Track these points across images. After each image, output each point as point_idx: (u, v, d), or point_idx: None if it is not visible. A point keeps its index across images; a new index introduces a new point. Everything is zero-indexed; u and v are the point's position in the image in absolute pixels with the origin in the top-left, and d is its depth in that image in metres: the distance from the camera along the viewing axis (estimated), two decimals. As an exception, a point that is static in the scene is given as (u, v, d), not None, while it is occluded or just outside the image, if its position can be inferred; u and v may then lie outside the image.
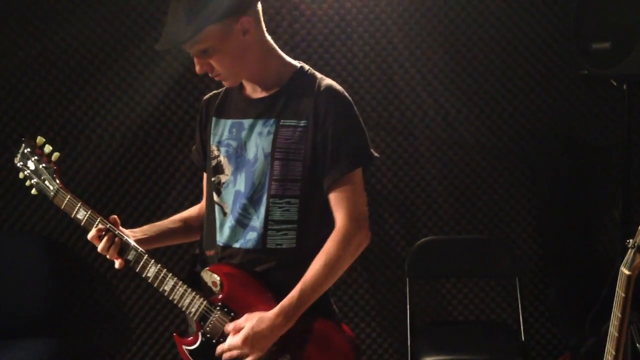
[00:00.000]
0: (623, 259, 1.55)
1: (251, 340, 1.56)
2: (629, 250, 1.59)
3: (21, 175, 1.84)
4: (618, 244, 2.71)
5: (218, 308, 1.64)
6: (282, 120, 1.63)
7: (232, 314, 1.64)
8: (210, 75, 1.63)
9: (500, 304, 3.15)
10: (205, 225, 1.77)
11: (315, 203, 1.64)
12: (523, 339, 2.75)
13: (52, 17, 2.96)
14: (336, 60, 2.99)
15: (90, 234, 1.71)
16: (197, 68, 1.61)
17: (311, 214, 1.64)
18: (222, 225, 1.69)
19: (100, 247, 1.69)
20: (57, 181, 1.77)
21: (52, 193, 1.76)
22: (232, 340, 1.59)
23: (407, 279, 2.86)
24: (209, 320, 1.65)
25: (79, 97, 3.02)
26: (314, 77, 1.67)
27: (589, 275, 3.09)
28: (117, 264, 1.70)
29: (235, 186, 1.67)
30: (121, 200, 3.04)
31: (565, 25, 2.99)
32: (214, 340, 1.65)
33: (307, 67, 1.71)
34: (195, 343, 1.68)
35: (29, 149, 1.82)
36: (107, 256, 1.70)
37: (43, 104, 3.00)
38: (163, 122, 3.05)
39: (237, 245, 1.66)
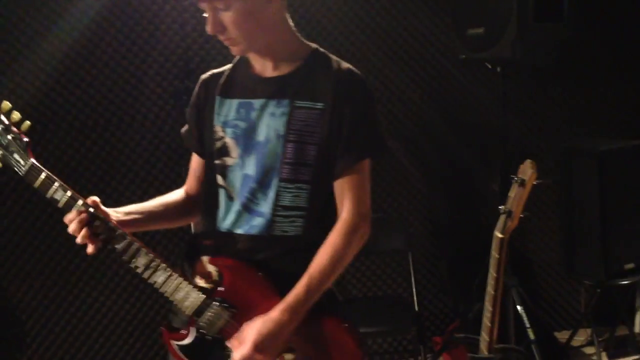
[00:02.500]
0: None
1: (262, 345, 1.45)
2: (501, 216, 1.75)
3: None
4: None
5: (216, 302, 1.53)
6: (296, 102, 1.54)
7: (233, 309, 1.53)
8: (220, 37, 1.52)
9: (396, 279, 3.31)
10: (204, 209, 1.65)
11: (325, 190, 1.56)
12: (417, 309, 2.91)
13: None
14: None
15: (69, 217, 1.52)
16: (209, 27, 1.50)
17: (320, 201, 1.55)
18: (227, 210, 1.58)
19: (75, 231, 1.51)
20: (30, 156, 1.55)
21: (23, 169, 1.54)
22: (242, 351, 1.46)
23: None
24: (205, 315, 1.53)
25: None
26: (329, 59, 1.59)
27: (474, 246, 3.30)
28: (91, 248, 1.52)
29: (243, 169, 1.57)
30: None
31: (444, 12, 3.18)
32: (209, 337, 1.54)
33: (321, 48, 1.63)
34: (186, 338, 1.55)
35: None
36: (80, 241, 1.52)
37: None
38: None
39: (240, 231, 1.56)
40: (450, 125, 3.35)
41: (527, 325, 2.93)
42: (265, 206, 1.54)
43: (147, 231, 1.70)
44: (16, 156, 1.55)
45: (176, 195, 1.74)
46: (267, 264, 1.53)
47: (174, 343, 1.56)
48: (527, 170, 1.66)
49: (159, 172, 3.02)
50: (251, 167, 1.55)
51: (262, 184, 1.54)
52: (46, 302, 2.97)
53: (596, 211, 3.08)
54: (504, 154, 2.93)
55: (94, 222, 1.51)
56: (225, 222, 1.58)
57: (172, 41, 2.98)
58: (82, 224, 1.50)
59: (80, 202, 1.53)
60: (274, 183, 1.53)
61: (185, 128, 1.72)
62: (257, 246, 1.54)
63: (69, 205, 1.53)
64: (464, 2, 2.99)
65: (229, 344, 1.51)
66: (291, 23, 1.59)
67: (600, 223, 3.07)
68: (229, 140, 1.58)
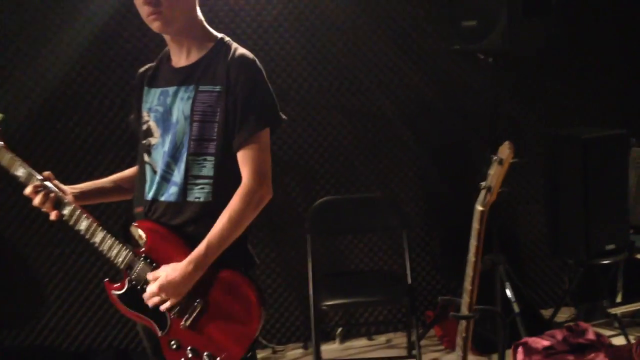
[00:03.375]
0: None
1: (166, 287, 1.73)
2: (481, 191, 1.96)
3: None
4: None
5: (142, 258, 1.82)
6: (200, 86, 1.78)
7: (154, 264, 1.80)
8: (147, 8, 1.72)
9: (391, 256, 3.52)
10: (137, 184, 1.91)
11: (229, 161, 1.79)
12: (409, 282, 3.11)
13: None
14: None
15: (28, 190, 1.82)
16: None
17: (225, 170, 1.79)
18: (151, 182, 1.84)
19: (35, 201, 1.82)
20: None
21: None
22: (150, 287, 1.76)
23: (308, 236, 3.13)
24: (134, 269, 1.82)
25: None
26: (229, 47, 1.82)
27: (466, 225, 3.50)
28: (53, 215, 1.84)
29: (163, 147, 1.82)
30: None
31: (439, 6, 3.36)
32: (138, 287, 1.83)
33: (226, 37, 1.85)
34: (123, 288, 1.86)
35: None
36: (43, 209, 1.84)
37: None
38: (70, 95, 3.14)
39: (162, 198, 1.82)
40: (444, 110, 3.54)
41: (513, 299, 3.13)
42: (178, 176, 1.79)
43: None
44: None
45: (128, 172, 2.04)
46: (182, 227, 1.80)
47: (114, 292, 1.87)
48: (505, 151, 1.86)
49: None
50: (167, 145, 1.81)
51: (174, 158, 1.80)
52: (64, 270, 3.20)
53: (579, 195, 3.27)
54: (493, 138, 3.13)
55: (49, 194, 1.82)
56: (151, 191, 1.84)
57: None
58: (44, 199, 1.81)
59: (38, 177, 1.82)
60: (184, 156, 1.78)
61: (131, 116, 1.99)
62: (174, 211, 1.80)
63: (28, 179, 1.83)
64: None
65: (147, 276, 1.79)
66: (201, 15, 1.83)
67: (582, 206, 3.27)
68: (152, 124, 1.85)
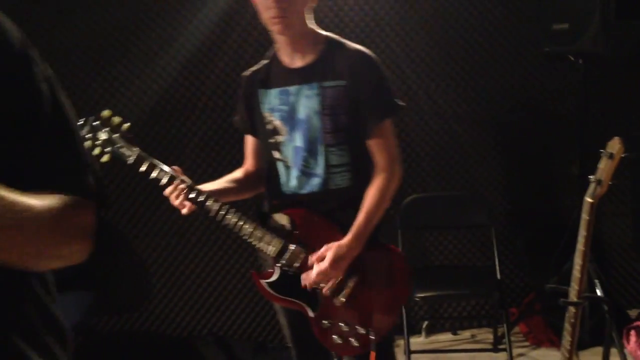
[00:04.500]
0: (582, 209, 1.99)
1: (336, 263, 1.83)
2: (591, 184, 2.05)
3: (88, 143, 1.96)
4: (576, 196, 3.13)
5: (293, 244, 1.90)
6: (324, 83, 1.89)
7: (307, 248, 1.89)
8: (274, 11, 1.80)
9: (476, 253, 3.61)
10: (267, 179, 2.03)
11: (361, 147, 1.93)
12: (499, 277, 3.19)
13: (77, 5, 3.24)
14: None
15: (168, 190, 1.92)
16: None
17: (359, 156, 1.93)
18: (288, 177, 1.96)
19: (179, 202, 1.90)
20: (135, 147, 1.94)
21: (131, 158, 1.94)
22: (320, 266, 1.83)
23: (399, 231, 3.25)
24: (285, 255, 1.90)
25: (101, 76, 3.30)
26: (341, 44, 1.95)
27: (552, 225, 3.56)
28: (187, 209, 1.92)
29: (293, 143, 1.94)
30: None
31: (529, 8, 3.44)
32: (290, 273, 1.91)
33: (333, 35, 1.98)
34: (272, 276, 1.94)
35: (97, 122, 1.97)
36: (184, 210, 1.92)
37: (68, 84, 3.28)
38: (177, 99, 3.37)
39: (304, 191, 1.94)
40: (531, 111, 3.60)
41: (603, 296, 3.16)
42: (318, 168, 1.92)
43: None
44: (124, 150, 1.94)
45: (239, 173, 2.12)
46: (329, 212, 1.92)
47: (263, 282, 1.95)
48: (615, 145, 1.95)
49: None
50: (299, 140, 1.92)
51: (311, 151, 1.92)
52: (169, 260, 3.42)
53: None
54: (583, 140, 3.19)
55: (191, 192, 1.90)
56: (290, 186, 1.95)
57: (246, 31, 3.31)
58: (180, 193, 1.90)
59: (181, 177, 1.91)
60: (321, 149, 1.91)
61: (236, 117, 2.11)
62: (319, 200, 1.92)
63: (170, 181, 1.91)
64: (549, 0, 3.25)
65: (311, 258, 1.88)
66: (310, 17, 1.93)
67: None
68: (277, 122, 1.96)
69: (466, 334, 3.62)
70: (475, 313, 3.66)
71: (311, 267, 1.88)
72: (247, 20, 3.30)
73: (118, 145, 1.95)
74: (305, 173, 1.93)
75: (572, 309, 2.03)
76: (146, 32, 3.31)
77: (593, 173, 2.00)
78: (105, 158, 1.96)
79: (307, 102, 1.92)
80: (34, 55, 0.94)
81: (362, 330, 1.89)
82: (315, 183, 1.93)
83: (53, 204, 0.91)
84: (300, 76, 1.93)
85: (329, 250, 1.85)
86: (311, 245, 1.91)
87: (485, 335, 3.55)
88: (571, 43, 3.08)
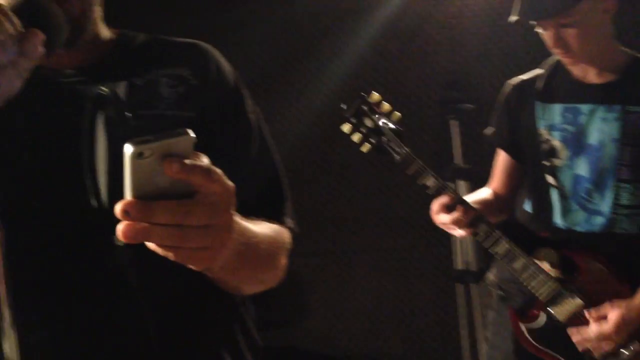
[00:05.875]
0: None
1: (622, 329, 1.52)
2: None
3: (346, 128, 1.70)
4: None
5: (571, 291, 1.60)
6: (628, 107, 1.61)
7: (585, 298, 1.59)
8: (556, 50, 1.62)
9: None
10: (534, 205, 1.75)
11: None
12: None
13: (238, 32, 3.43)
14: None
15: (440, 202, 1.64)
16: (552, 42, 1.59)
17: None
18: (563, 208, 1.67)
19: (451, 218, 1.62)
20: (404, 146, 1.66)
21: (398, 157, 1.66)
22: (603, 328, 1.53)
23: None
24: (558, 302, 1.60)
25: (262, 101, 3.46)
26: None
27: None
28: (463, 233, 1.64)
29: (573, 170, 1.66)
30: (300, 192, 3.45)
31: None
32: (559, 323, 1.61)
33: (638, 54, 1.69)
34: (534, 321, 1.65)
35: (365, 107, 1.68)
36: (457, 227, 1.62)
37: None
38: (333, 122, 3.45)
39: (579, 229, 1.65)
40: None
41: None
42: (604, 205, 1.63)
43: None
44: (392, 145, 1.65)
45: (487, 194, 1.86)
46: (609, 259, 1.63)
47: (523, 326, 1.67)
48: None
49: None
50: (583, 168, 1.64)
51: (597, 184, 1.63)
52: (324, 279, 3.48)
53: None
54: None
55: (462, 206, 1.61)
56: (564, 220, 1.68)
57: (437, 53, 3.33)
58: (461, 215, 1.62)
59: (451, 188, 1.66)
60: (611, 183, 1.62)
61: (490, 130, 1.87)
62: (599, 243, 1.63)
63: (439, 190, 1.65)
64: None
65: (590, 314, 1.58)
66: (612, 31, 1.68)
67: None
68: (556, 143, 1.69)
69: None
70: None
71: (585, 323, 1.60)
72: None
73: (386, 137, 1.66)
74: (586, 208, 1.65)
75: None
76: (304, 62, 3.41)
77: None
78: (365, 148, 1.71)
79: (602, 126, 1.64)
80: (245, 91, 1.08)
81: None
82: (597, 222, 1.65)
83: (268, 232, 0.94)
84: (598, 94, 1.66)
85: (615, 310, 1.56)
86: (591, 297, 1.60)
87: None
88: None
